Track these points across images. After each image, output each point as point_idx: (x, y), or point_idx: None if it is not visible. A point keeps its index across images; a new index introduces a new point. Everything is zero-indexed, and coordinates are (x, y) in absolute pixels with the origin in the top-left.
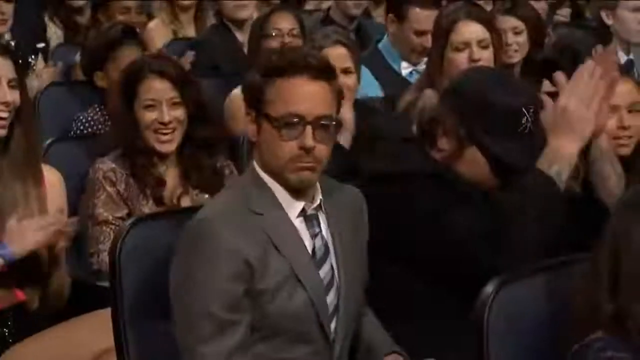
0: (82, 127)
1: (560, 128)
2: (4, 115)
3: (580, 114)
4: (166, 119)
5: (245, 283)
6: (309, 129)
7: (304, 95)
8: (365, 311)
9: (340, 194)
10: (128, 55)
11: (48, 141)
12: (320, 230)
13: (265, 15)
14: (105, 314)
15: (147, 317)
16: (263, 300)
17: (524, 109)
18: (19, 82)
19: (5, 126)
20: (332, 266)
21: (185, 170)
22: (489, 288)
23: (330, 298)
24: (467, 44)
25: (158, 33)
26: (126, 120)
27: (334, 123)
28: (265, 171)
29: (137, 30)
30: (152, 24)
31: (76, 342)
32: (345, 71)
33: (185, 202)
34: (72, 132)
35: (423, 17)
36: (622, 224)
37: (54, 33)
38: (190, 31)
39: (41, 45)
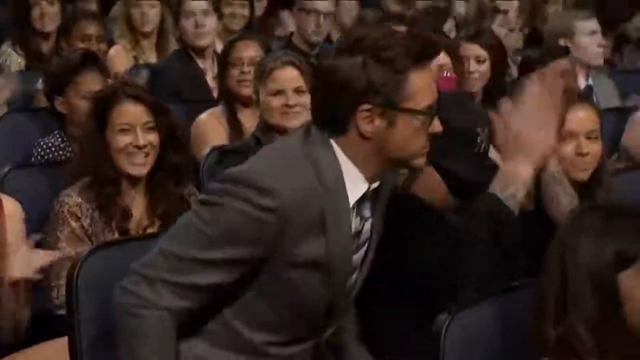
0: (42, 153)
1: (514, 152)
2: None
3: (533, 137)
4: (141, 142)
5: (262, 250)
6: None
7: (433, 81)
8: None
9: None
10: (89, 80)
11: (6, 168)
12: (370, 215)
13: (230, 43)
14: (63, 342)
15: (105, 346)
16: (280, 267)
17: (478, 129)
18: None
19: None
20: (365, 252)
21: (152, 200)
22: (444, 314)
23: (349, 281)
24: None
25: (119, 59)
26: (96, 146)
27: None
28: (370, 160)
29: (99, 56)
30: (112, 51)
31: None
32: (298, 90)
33: None
34: (32, 158)
35: None
36: (567, 241)
37: (16, 60)
38: (152, 57)
39: None
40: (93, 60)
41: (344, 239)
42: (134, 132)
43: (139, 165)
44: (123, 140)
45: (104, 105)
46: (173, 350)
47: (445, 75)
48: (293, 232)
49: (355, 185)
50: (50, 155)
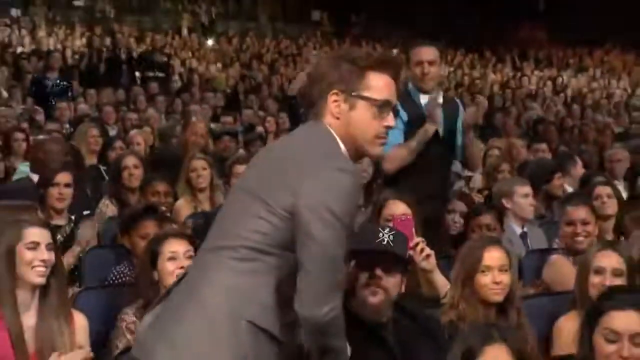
0: (114, 278)
1: None
2: (43, 270)
3: None
4: (185, 264)
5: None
6: (391, 114)
7: (392, 88)
8: None
9: None
10: (147, 225)
11: (80, 289)
12: None
13: None
14: None
15: None
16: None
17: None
18: (54, 246)
19: (45, 276)
20: None
21: None
22: None
23: None
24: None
25: (183, 210)
26: (147, 279)
27: None
28: (342, 140)
29: (161, 208)
30: (178, 203)
31: None
32: None
33: None
34: (106, 282)
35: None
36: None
37: (112, 209)
38: (207, 206)
39: (86, 212)
40: (152, 212)
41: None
42: (179, 260)
43: None
44: (171, 266)
45: (156, 242)
46: None
47: (402, 219)
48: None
49: None
50: (120, 280)
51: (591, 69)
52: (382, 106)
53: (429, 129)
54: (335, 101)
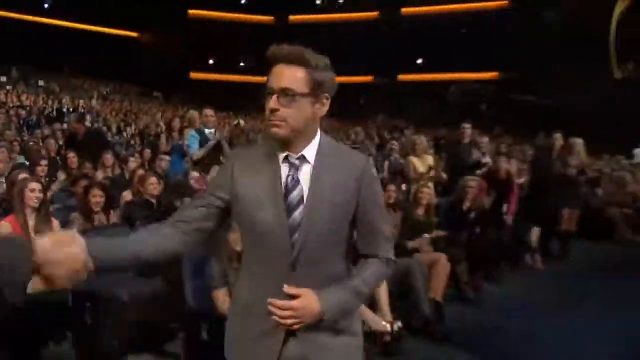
0: (69, 204)
1: None
2: (37, 201)
3: None
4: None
5: (228, 190)
6: (274, 97)
7: (276, 75)
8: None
9: (340, 156)
10: (81, 184)
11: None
12: (295, 173)
13: None
14: None
15: None
16: (241, 206)
17: None
18: (43, 190)
19: (39, 203)
20: (302, 197)
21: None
22: None
23: (295, 215)
24: None
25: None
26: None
27: (302, 95)
28: None
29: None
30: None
31: None
32: None
33: None
34: (65, 205)
35: None
36: None
37: (63, 177)
38: None
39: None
40: (85, 177)
41: (272, 183)
42: None
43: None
44: None
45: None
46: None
47: None
48: (238, 176)
49: (281, 152)
50: (69, 204)
51: None
52: (267, 93)
53: None
54: None
